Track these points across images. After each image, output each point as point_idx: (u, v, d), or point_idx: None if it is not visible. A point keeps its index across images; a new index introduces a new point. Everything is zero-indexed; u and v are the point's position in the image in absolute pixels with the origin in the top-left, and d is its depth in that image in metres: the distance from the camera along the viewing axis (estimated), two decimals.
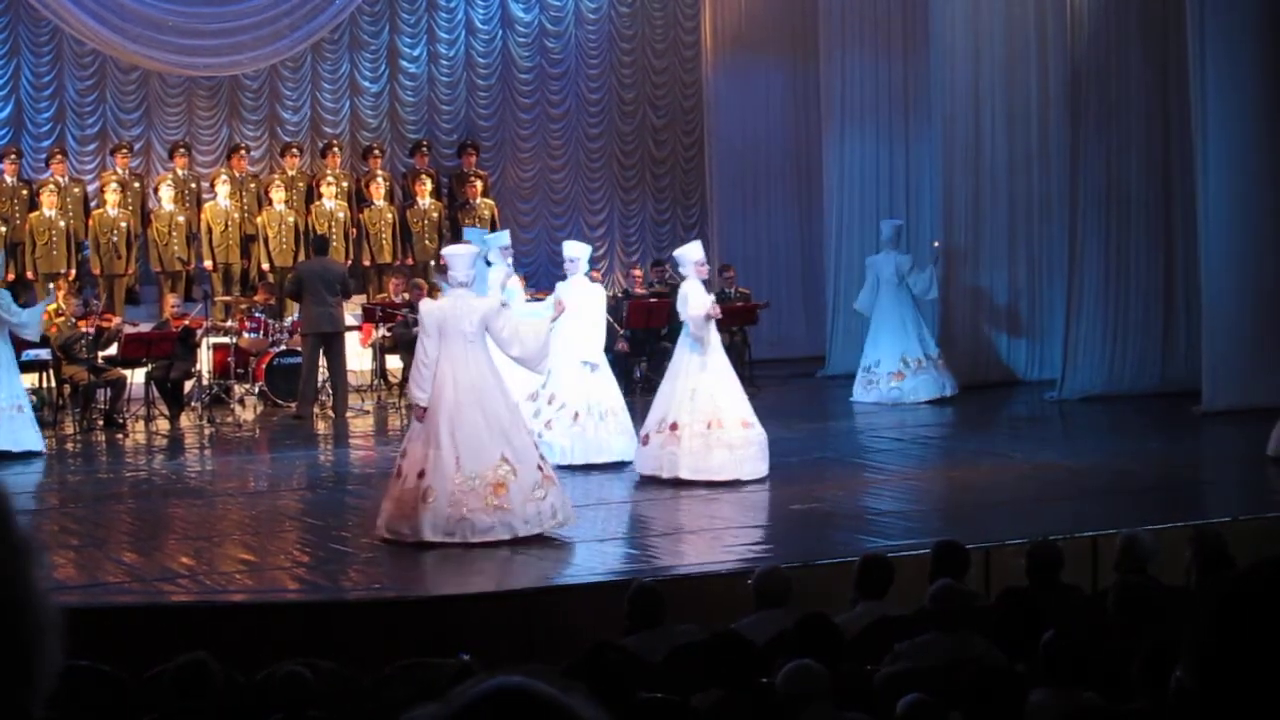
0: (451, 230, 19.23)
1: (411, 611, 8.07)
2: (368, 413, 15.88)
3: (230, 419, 15.48)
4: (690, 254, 11.63)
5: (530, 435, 9.97)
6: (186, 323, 15.50)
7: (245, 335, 16.26)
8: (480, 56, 20.49)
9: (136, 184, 18.26)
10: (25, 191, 17.72)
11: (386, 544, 9.37)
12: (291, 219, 18.01)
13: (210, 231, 17.84)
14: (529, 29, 20.66)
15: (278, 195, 18.00)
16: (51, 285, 16.55)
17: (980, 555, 8.58)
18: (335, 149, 18.96)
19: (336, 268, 15.97)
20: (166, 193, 17.74)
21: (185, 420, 15.25)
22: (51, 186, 17.37)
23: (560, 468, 11.08)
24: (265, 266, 17.88)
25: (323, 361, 15.44)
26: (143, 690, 5.76)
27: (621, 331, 16.59)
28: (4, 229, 17.20)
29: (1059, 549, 7.30)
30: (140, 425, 14.88)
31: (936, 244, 16.67)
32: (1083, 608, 6.74)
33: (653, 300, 17.19)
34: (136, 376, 15.15)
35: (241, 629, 7.82)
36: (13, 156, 17.69)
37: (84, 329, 14.89)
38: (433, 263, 17.63)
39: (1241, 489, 11.26)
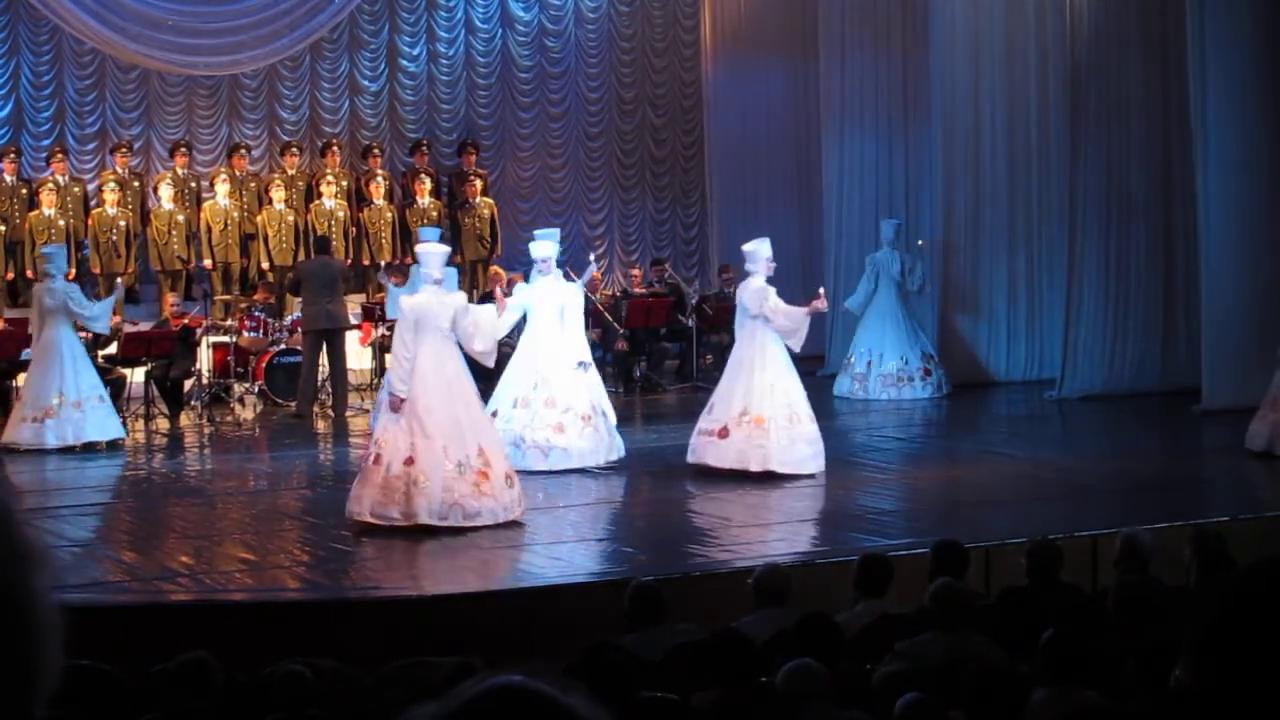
0: (452, 230, 19.24)
1: (411, 610, 8.07)
2: (367, 411, 15.85)
3: (230, 418, 15.48)
4: (763, 250, 11.76)
5: (495, 429, 10.52)
6: (186, 322, 15.50)
7: (245, 334, 16.26)
8: (480, 55, 20.49)
9: (136, 183, 18.26)
10: (25, 190, 17.73)
11: (370, 530, 9.59)
12: (291, 218, 18.01)
13: (210, 230, 17.84)
14: (529, 28, 20.67)
15: (278, 194, 18.00)
16: (119, 280, 16.70)
17: (980, 554, 8.59)
18: (335, 148, 18.97)
19: (335, 265, 15.97)
20: (166, 192, 17.75)
21: (185, 419, 15.25)
22: (51, 185, 17.37)
23: (572, 471, 11.29)
24: (265, 265, 17.88)
25: (323, 360, 15.44)
26: (143, 689, 5.75)
27: (620, 331, 16.59)
28: (3, 228, 17.21)
29: (1059, 548, 7.30)
30: (140, 424, 14.87)
31: (922, 242, 16.72)
32: (1083, 607, 6.74)
33: (651, 299, 17.17)
34: (136, 375, 15.15)
35: (241, 628, 7.82)
36: (12, 155, 17.70)
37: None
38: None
39: (1241, 488, 11.26)
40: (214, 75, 18.74)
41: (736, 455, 11.32)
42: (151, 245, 17.57)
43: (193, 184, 18.49)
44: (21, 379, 15.08)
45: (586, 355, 12.09)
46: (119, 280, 16.76)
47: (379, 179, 18.81)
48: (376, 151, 19.20)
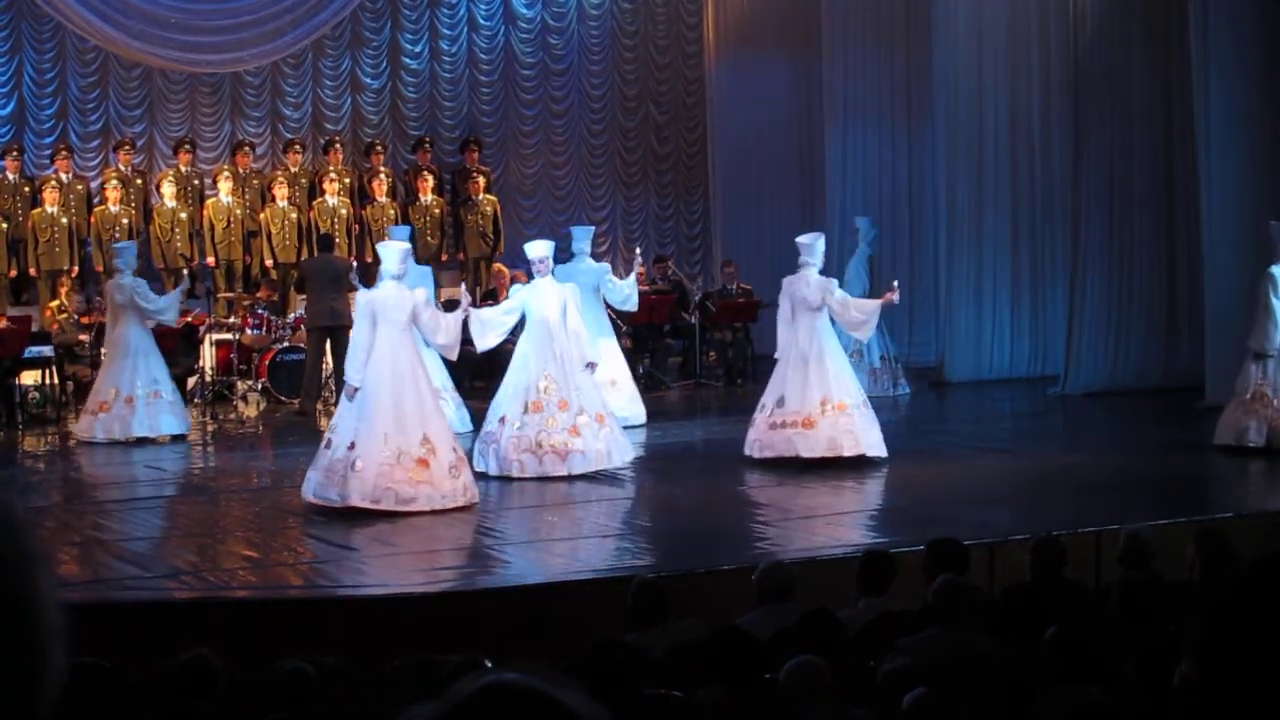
0: (454, 227, 19.25)
1: (415, 607, 8.07)
2: None
3: (233, 415, 15.49)
4: (820, 245, 12.01)
5: (445, 419, 10.73)
6: (189, 320, 15.51)
7: (248, 332, 16.27)
8: (482, 53, 20.49)
9: (139, 181, 18.27)
10: (27, 188, 17.73)
11: (316, 510, 10.13)
12: (294, 215, 18.02)
13: (212, 228, 17.85)
14: (531, 25, 20.67)
15: (281, 192, 18.01)
16: (185, 272, 16.75)
17: (984, 551, 8.59)
18: (337, 145, 18.97)
19: (339, 263, 15.98)
20: (168, 189, 17.76)
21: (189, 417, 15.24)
22: (54, 183, 17.37)
23: (590, 475, 11.25)
24: (268, 263, 17.89)
25: (327, 358, 15.45)
26: (146, 687, 5.75)
27: (624, 328, 16.59)
28: (6, 226, 17.22)
29: (1062, 545, 7.29)
30: None
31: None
32: (1086, 604, 6.74)
33: (654, 296, 17.16)
34: None
35: (245, 625, 7.82)
36: (15, 153, 17.70)
37: (83, 337, 14.90)
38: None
39: (1245, 484, 11.26)
40: (216, 73, 18.75)
41: (828, 443, 11.60)
42: (154, 243, 17.58)
43: (195, 181, 18.49)
44: (24, 377, 15.13)
45: (593, 355, 11.96)
46: (185, 272, 16.84)
47: (382, 176, 18.81)
48: (379, 149, 19.20)
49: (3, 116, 18.37)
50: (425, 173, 19.05)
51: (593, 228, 15.91)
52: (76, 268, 17.20)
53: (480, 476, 11.11)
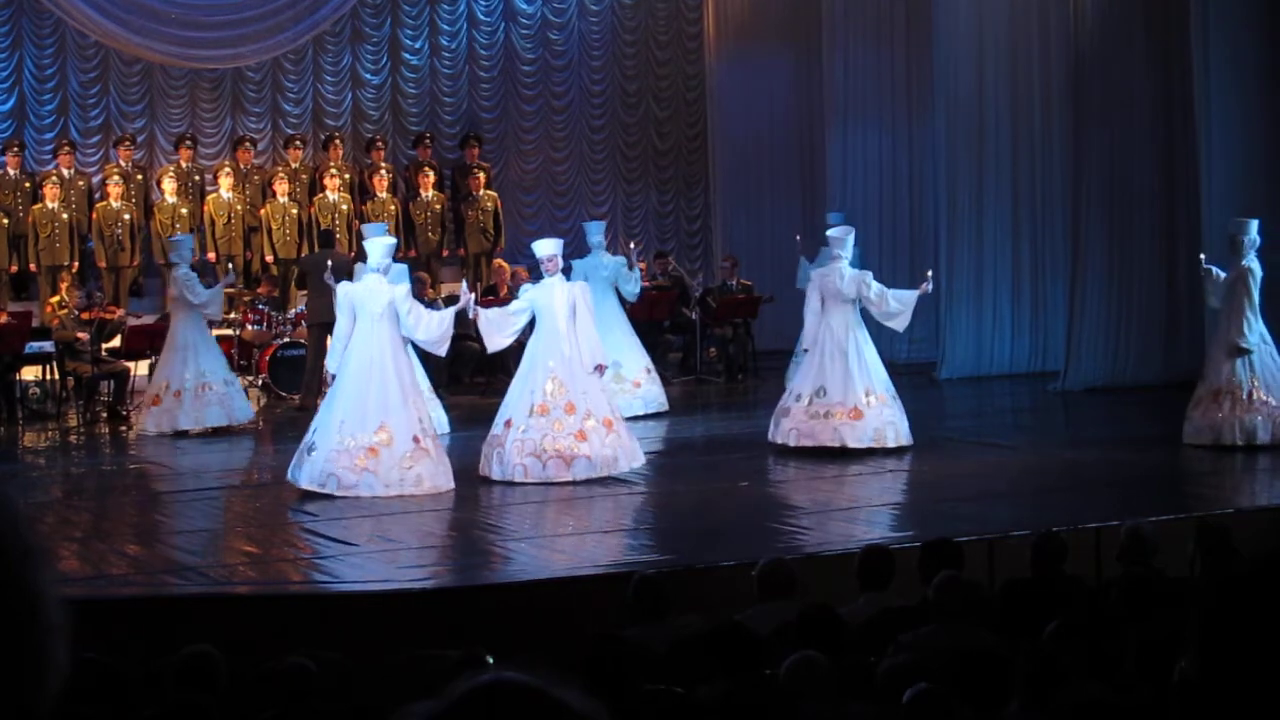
0: (455, 223, 19.25)
1: (415, 603, 8.07)
2: None
3: None
4: (851, 238, 12.31)
5: (417, 413, 10.87)
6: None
7: (248, 327, 16.28)
8: (482, 49, 20.48)
9: (139, 176, 18.27)
10: (28, 184, 17.73)
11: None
12: (295, 211, 18.02)
13: (213, 224, 17.85)
14: (531, 21, 20.66)
15: (281, 188, 18.01)
16: (230, 264, 16.78)
17: (984, 546, 8.59)
18: (338, 141, 18.96)
19: (339, 259, 15.97)
20: (169, 185, 17.76)
21: None
22: (54, 179, 17.37)
23: (600, 480, 11.08)
24: (269, 259, 17.89)
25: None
26: (147, 683, 5.76)
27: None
28: (7, 221, 17.22)
29: (1063, 540, 7.29)
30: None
31: (799, 237, 16.60)
32: (1086, 599, 6.74)
33: (655, 292, 17.15)
34: (140, 369, 15.17)
35: (245, 621, 7.83)
36: (16, 149, 17.70)
37: (83, 334, 14.90)
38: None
39: (1245, 480, 11.26)
40: (217, 68, 18.74)
41: (874, 434, 11.95)
42: (155, 239, 17.58)
43: (196, 177, 18.50)
44: (25, 373, 15.15)
45: (602, 356, 11.46)
46: (230, 265, 16.87)
47: (382, 172, 18.81)
48: (380, 144, 19.19)
49: (3, 112, 18.36)
50: (425, 169, 19.04)
51: (604, 222, 16.19)
52: (77, 263, 17.20)
53: (484, 481, 11.06)
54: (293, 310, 16.76)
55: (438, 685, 1.48)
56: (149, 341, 14.98)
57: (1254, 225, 12.11)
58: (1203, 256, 12.60)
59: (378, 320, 10.69)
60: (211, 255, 17.86)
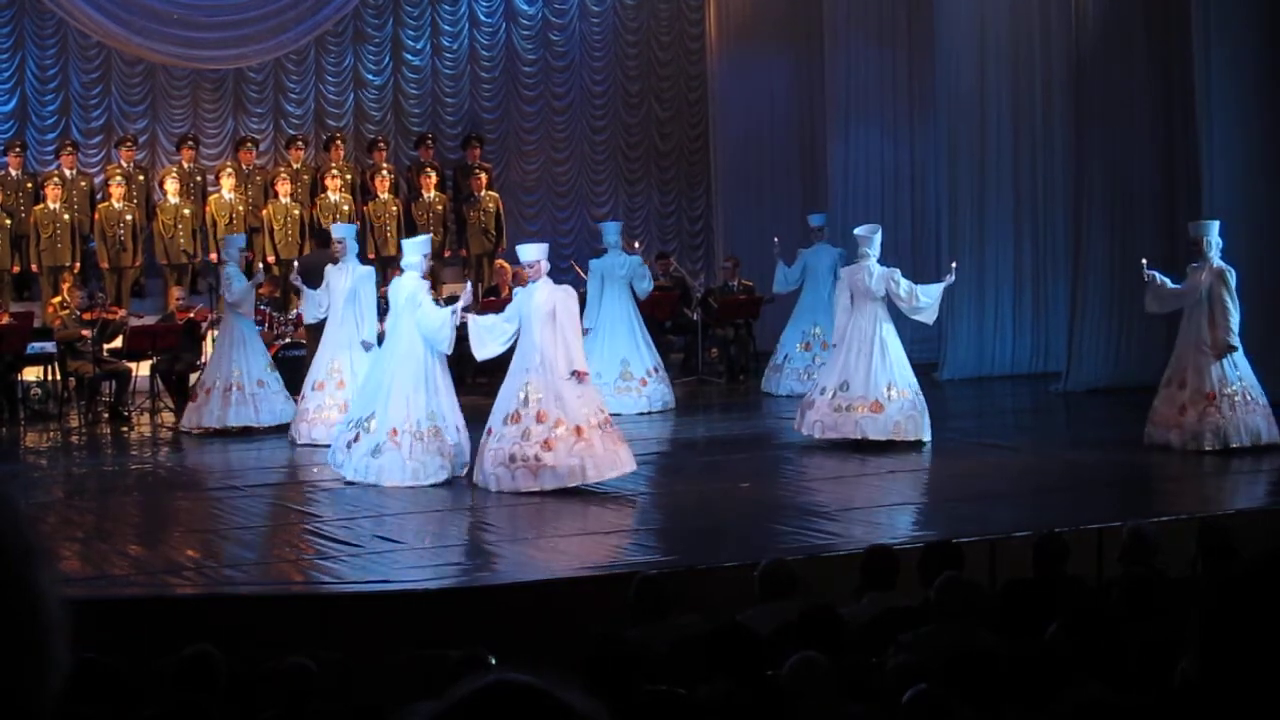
0: (457, 224, 19.25)
1: (416, 603, 8.07)
2: None
3: None
4: (878, 237, 12.69)
5: (411, 407, 11.23)
6: (191, 315, 15.51)
7: None
8: (484, 50, 20.49)
9: (141, 177, 18.28)
10: (30, 184, 17.73)
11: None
12: (297, 212, 18.03)
13: (215, 224, 17.86)
14: (533, 22, 20.66)
15: (283, 188, 18.01)
16: (260, 265, 16.83)
17: (985, 547, 8.59)
18: (339, 142, 18.97)
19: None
20: (171, 185, 17.77)
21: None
22: (56, 180, 17.37)
23: (570, 490, 10.86)
24: (270, 259, 17.89)
25: None
26: (148, 683, 5.76)
27: None
28: (9, 222, 17.23)
29: (1064, 541, 7.29)
30: (145, 418, 14.88)
31: (777, 239, 16.64)
32: (1088, 599, 6.74)
33: (657, 293, 17.14)
34: (141, 369, 15.17)
35: (246, 621, 7.83)
36: (17, 149, 17.71)
37: (85, 334, 14.90)
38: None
39: (1246, 481, 11.26)
40: (219, 69, 18.75)
41: (895, 427, 12.31)
42: (157, 239, 17.59)
43: (198, 178, 18.50)
44: (26, 373, 15.16)
45: (580, 363, 10.97)
46: (260, 265, 16.89)
47: (384, 173, 18.81)
48: (381, 145, 19.20)
49: (5, 113, 18.37)
50: (427, 169, 19.04)
51: (621, 222, 16.58)
52: (78, 264, 17.20)
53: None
54: (293, 310, 16.74)
55: (438, 685, 1.48)
56: (150, 342, 14.98)
57: (1215, 226, 12.25)
58: (1145, 261, 12.68)
59: (399, 314, 11.46)
60: (214, 256, 17.86)
